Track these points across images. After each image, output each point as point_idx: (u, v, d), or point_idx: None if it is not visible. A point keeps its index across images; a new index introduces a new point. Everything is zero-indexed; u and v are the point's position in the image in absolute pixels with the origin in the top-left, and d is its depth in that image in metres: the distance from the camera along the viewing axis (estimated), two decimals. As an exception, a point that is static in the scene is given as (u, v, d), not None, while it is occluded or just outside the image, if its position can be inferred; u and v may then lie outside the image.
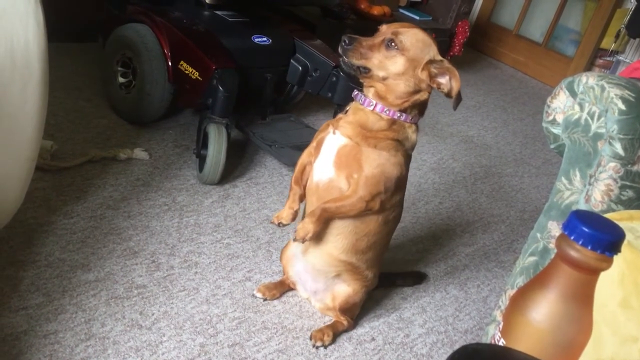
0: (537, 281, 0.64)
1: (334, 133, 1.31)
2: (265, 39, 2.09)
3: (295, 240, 1.31)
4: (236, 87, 1.88)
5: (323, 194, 1.32)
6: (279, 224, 1.35)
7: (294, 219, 1.38)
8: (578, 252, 0.59)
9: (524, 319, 0.63)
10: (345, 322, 1.48)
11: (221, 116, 1.86)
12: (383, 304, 1.63)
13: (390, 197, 1.32)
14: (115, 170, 1.85)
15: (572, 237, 0.59)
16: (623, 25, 3.51)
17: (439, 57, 1.25)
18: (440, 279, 1.81)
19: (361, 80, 1.30)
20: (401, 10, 3.30)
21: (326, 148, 1.32)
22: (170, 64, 1.95)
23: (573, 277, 0.61)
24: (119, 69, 2.09)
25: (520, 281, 1.31)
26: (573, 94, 1.22)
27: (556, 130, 1.29)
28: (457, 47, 3.37)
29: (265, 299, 1.53)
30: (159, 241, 1.62)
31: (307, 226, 1.28)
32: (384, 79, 1.25)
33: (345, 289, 1.44)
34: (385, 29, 1.27)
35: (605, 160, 1.14)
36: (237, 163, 2.09)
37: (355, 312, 1.51)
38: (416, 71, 1.24)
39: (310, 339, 1.44)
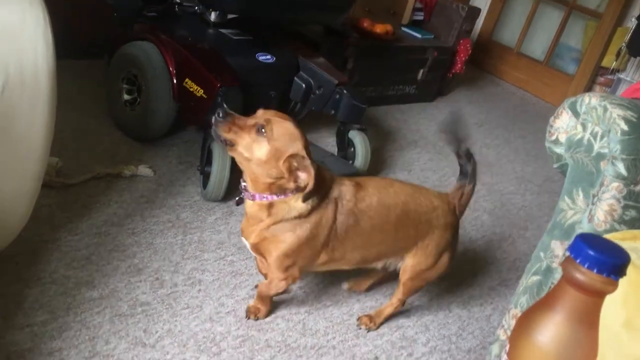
0: (543, 303, 0.64)
1: (245, 239, 1.43)
2: (269, 57, 2.11)
3: (248, 318, 1.51)
4: (240, 104, 1.89)
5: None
6: None
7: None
8: (584, 275, 0.60)
9: (530, 341, 0.63)
10: (396, 302, 1.59)
11: (225, 134, 1.87)
12: (386, 323, 1.63)
13: (334, 249, 1.40)
14: (120, 187, 1.86)
15: (578, 260, 0.60)
16: (624, 44, 3.54)
17: (303, 153, 1.28)
18: (443, 297, 1.81)
19: (229, 153, 1.34)
20: (404, 29, 3.33)
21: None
22: (175, 81, 1.97)
23: (579, 300, 0.61)
24: (124, 86, 2.10)
25: (523, 300, 1.31)
26: (576, 114, 1.23)
27: (559, 150, 1.29)
28: (459, 65, 3.40)
29: (350, 289, 1.70)
30: (162, 258, 1.62)
31: (256, 306, 1.52)
32: (248, 160, 1.28)
33: (407, 263, 1.52)
34: (261, 114, 1.31)
35: (608, 180, 1.14)
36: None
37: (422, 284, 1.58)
38: (279, 162, 1.27)
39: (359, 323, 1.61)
